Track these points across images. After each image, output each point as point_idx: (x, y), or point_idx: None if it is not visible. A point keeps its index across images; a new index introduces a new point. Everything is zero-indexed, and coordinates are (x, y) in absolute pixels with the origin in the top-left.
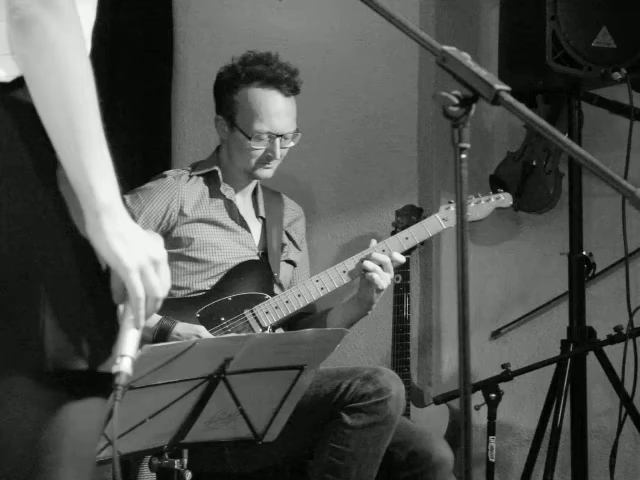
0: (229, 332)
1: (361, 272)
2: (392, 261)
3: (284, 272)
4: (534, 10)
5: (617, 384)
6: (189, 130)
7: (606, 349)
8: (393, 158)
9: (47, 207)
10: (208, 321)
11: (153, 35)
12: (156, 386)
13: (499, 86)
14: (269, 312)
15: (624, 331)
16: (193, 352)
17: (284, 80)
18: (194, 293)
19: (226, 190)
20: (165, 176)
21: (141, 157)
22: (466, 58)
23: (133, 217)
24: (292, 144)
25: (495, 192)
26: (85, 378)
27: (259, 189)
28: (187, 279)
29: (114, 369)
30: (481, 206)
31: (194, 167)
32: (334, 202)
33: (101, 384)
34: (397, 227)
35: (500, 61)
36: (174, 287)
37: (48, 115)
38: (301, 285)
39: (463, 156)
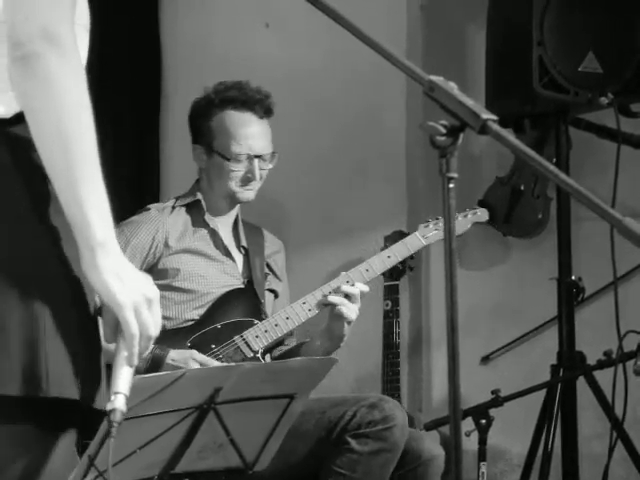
0: (220, 358)
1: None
2: (360, 292)
3: (267, 301)
4: (520, 35)
5: (607, 408)
6: (178, 159)
7: (596, 373)
8: (381, 184)
9: (41, 238)
10: (199, 349)
11: (140, 64)
12: (146, 417)
13: (486, 115)
14: (259, 336)
15: (614, 355)
16: (182, 382)
17: (257, 101)
18: (183, 323)
19: (210, 219)
20: (149, 209)
21: (130, 187)
22: (453, 88)
23: None
24: (270, 166)
25: (473, 208)
26: (73, 409)
27: (239, 221)
28: (175, 309)
29: (109, 406)
30: (458, 222)
31: (176, 199)
32: (322, 229)
33: (84, 417)
34: None
35: (487, 86)
36: (163, 317)
37: (47, 150)
38: (289, 308)
39: (451, 185)
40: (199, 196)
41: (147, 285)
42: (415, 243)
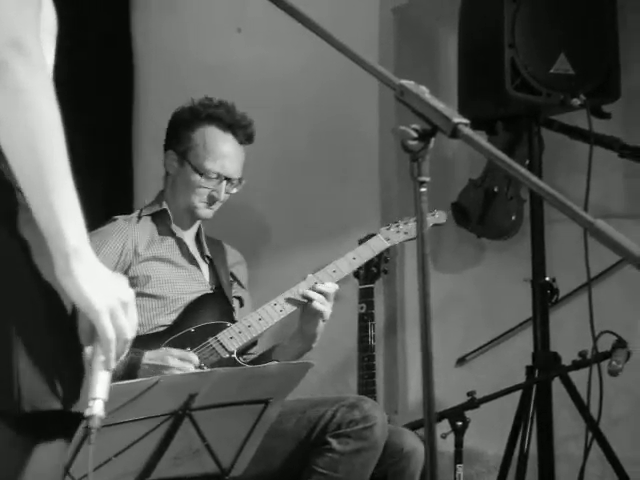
0: None
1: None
2: (332, 291)
3: (235, 306)
4: (492, 38)
5: (583, 409)
6: (151, 164)
7: (571, 374)
8: (354, 187)
9: (11, 249)
10: None
11: (112, 71)
12: (121, 424)
13: (457, 119)
14: (233, 337)
15: (589, 356)
16: (157, 389)
17: (241, 127)
18: (155, 328)
19: (176, 229)
20: (116, 219)
21: (103, 197)
22: (424, 91)
23: None
24: (235, 191)
25: (432, 210)
26: (53, 418)
27: (202, 233)
28: (147, 316)
29: (87, 412)
30: (415, 225)
31: (141, 210)
32: (298, 233)
33: (66, 424)
34: None
35: (460, 89)
36: None
37: (16, 158)
38: (260, 309)
39: (423, 189)
40: (165, 205)
41: (122, 288)
42: (378, 244)
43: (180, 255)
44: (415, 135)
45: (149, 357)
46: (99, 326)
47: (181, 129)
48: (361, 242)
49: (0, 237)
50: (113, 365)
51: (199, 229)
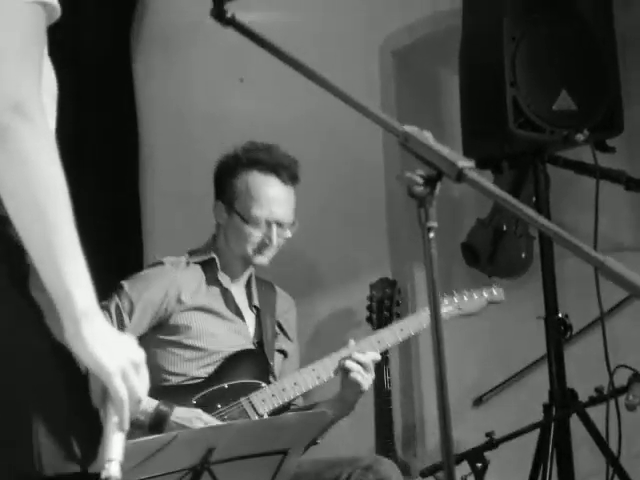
0: (225, 419)
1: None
2: (372, 361)
3: (276, 361)
4: (493, 77)
5: (602, 445)
6: (159, 216)
7: (589, 410)
8: (364, 232)
9: (24, 314)
10: (204, 408)
11: (116, 126)
12: None
13: (462, 163)
14: (265, 400)
15: (605, 391)
16: (175, 444)
17: (284, 167)
18: (190, 380)
19: (223, 278)
20: (163, 263)
21: (112, 252)
22: (428, 137)
23: (131, 304)
24: (289, 234)
25: (488, 286)
26: None
27: (252, 279)
28: (184, 366)
29: (104, 475)
30: (473, 300)
31: (191, 254)
32: (307, 279)
33: None
34: (372, 300)
35: (463, 130)
36: (170, 373)
37: (23, 225)
38: (297, 373)
39: (431, 235)
40: (213, 254)
41: (132, 348)
42: (427, 318)
43: (225, 306)
44: (421, 181)
45: (177, 415)
46: (111, 387)
47: (225, 178)
48: (372, 287)
49: (12, 299)
50: (127, 426)
51: (250, 276)
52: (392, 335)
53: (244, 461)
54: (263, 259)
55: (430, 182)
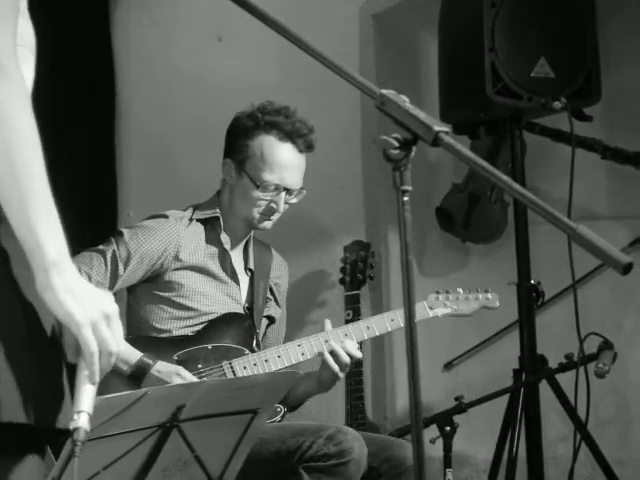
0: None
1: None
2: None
3: (262, 325)
4: (472, 43)
5: (570, 411)
6: (134, 174)
7: (558, 376)
8: (339, 194)
9: None
10: (185, 365)
11: (94, 79)
12: (109, 437)
13: (438, 127)
14: (246, 368)
15: (575, 358)
16: (145, 401)
17: (302, 135)
18: (174, 337)
19: (225, 239)
20: (167, 217)
21: (87, 209)
22: (405, 100)
23: (129, 253)
24: (295, 200)
25: (484, 291)
26: (28, 433)
27: (251, 241)
28: (170, 323)
29: (72, 425)
30: (468, 302)
31: (195, 209)
32: (282, 240)
33: (41, 441)
34: (346, 262)
35: (441, 95)
36: (155, 329)
37: None
38: (282, 347)
39: (405, 198)
40: (218, 212)
41: (105, 301)
42: (421, 313)
43: (220, 268)
44: (396, 144)
45: (158, 369)
46: (81, 339)
47: (239, 137)
48: (346, 248)
49: None
50: (97, 378)
51: (249, 237)
52: (382, 324)
53: (213, 419)
54: (267, 224)
55: (406, 146)
